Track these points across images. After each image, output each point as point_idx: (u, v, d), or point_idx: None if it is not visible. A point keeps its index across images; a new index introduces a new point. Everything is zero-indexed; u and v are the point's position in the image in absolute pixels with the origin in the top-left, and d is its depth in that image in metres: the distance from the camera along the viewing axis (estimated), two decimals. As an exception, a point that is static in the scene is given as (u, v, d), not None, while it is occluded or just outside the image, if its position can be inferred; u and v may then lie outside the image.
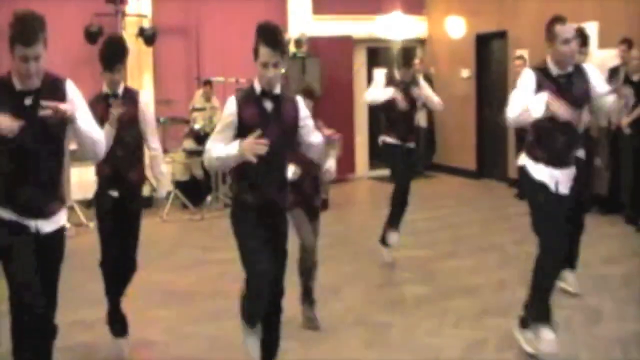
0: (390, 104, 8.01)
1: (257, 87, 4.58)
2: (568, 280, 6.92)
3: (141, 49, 12.84)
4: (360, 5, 14.61)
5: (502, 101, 13.30)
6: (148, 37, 12.60)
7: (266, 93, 4.55)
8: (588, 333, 6.07)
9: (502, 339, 5.96)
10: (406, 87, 8.10)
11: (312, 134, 4.80)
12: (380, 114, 8.50)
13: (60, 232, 4.38)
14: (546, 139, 5.36)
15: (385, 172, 13.42)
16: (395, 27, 14.59)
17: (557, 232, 5.42)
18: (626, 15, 10.65)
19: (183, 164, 12.23)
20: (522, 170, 5.56)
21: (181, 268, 8.45)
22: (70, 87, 4.24)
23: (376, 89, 8.21)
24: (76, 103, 4.20)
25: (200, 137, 12.21)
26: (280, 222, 4.77)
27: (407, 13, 14.71)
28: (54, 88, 4.14)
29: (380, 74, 8.30)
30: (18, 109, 4.02)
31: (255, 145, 4.27)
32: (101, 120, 5.48)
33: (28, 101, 4.07)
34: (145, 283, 6.39)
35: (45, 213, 4.25)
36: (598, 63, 10.69)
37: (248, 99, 4.57)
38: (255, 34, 4.54)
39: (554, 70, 5.31)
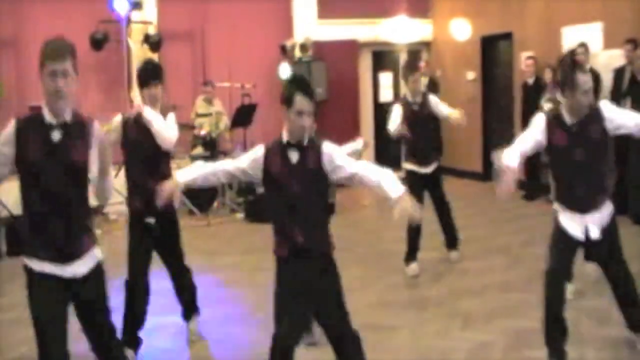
0: (407, 123, 8.01)
1: (284, 138, 4.49)
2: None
3: (147, 56, 12.85)
4: (365, 9, 14.64)
5: (509, 103, 13.37)
6: (154, 43, 12.64)
7: (292, 144, 4.46)
8: (596, 334, 6.05)
9: (509, 340, 5.95)
10: (420, 107, 8.13)
11: (351, 167, 4.52)
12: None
13: (98, 269, 4.31)
14: (565, 187, 5.31)
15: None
16: (401, 31, 14.60)
17: (563, 260, 5.36)
18: (631, 15, 10.64)
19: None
20: (554, 214, 5.43)
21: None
22: (97, 129, 4.22)
23: (395, 122, 8.11)
24: (101, 144, 4.18)
25: (207, 143, 12.25)
26: (320, 272, 4.62)
27: (412, 16, 14.72)
28: (82, 126, 4.13)
29: (397, 107, 8.18)
30: (45, 144, 4.02)
31: None
32: (132, 141, 5.75)
33: (56, 136, 4.04)
34: (153, 289, 6.39)
35: (76, 253, 4.17)
36: (603, 63, 10.72)
37: (275, 149, 4.49)
38: (285, 84, 4.50)
39: (567, 118, 5.14)
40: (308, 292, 4.53)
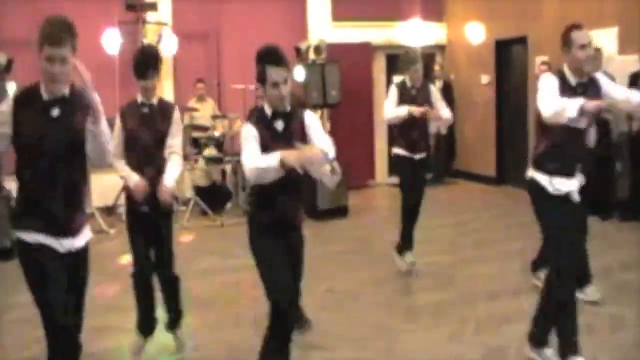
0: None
1: (268, 110, 4.60)
2: (587, 292, 6.88)
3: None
4: (379, 12, 14.64)
5: (523, 107, 13.34)
6: (168, 44, 12.66)
7: (277, 114, 4.59)
8: (609, 339, 6.04)
9: (522, 345, 5.92)
10: (418, 92, 8.08)
11: (319, 137, 4.70)
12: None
13: (87, 248, 4.37)
14: (560, 149, 5.32)
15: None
16: (415, 34, 14.59)
17: (575, 252, 5.38)
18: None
19: (203, 171, 12.27)
20: (534, 185, 5.43)
21: (201, 274, 8.47)
22: (95, 98, 4.16)
23: (391, 105, 8.08)
24: (99, 111, 4.15)
25: (220, 144, 12.30)
26: (295, 238, 4.84)
27: (427, 19, 14.70)
28: (80, 98, 4.10)
29: (393, 88, 8.19)
30: (44, 120, 4.03)
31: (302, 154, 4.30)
32: (132, 129, 5.64)
33: (55, 112, 4.05)
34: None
35: (73, 229, 4.21)
36: (618, 68, 10.67)
37: (260, 122, 4.59)
38: (256, 60, 4.54)
39: (571, 78, 5.30)
40: (291, 252, 4.78)
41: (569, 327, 5.36)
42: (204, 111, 12.68)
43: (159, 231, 5.87)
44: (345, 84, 13.80)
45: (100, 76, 11.95)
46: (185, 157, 12.02)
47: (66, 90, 4.08)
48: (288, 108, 4.60)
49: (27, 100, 4.05)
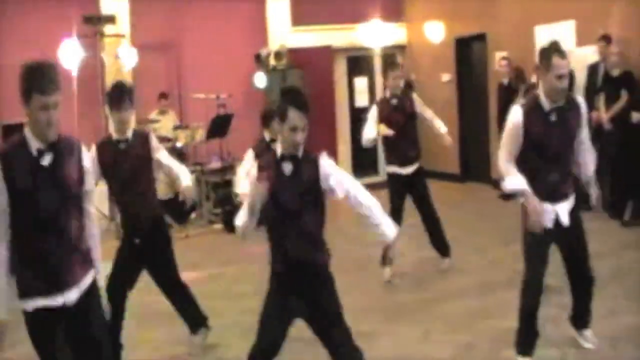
0: (385, 124, 7.96)
1: (278, 151, 4.51)
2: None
3: (120, 70, 12.80)
4: (339, 15, 14.64)
5: (484, 104, 13.39)
6: (127, 57, 12.56)
7: (285, 156, 4.47)
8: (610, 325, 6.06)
9: (491, 341, 5.94)
10: (400, 102, 8.06)
11: (351, 189, 4.60)
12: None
13: (90, 292, 4.15)
14: (537, 179, 5.30)
15: (369, 179, 13.43)
16: (375, 35, 14.60)
17: (540, 268, 5.37)
18: (603, 12, 10.68)
19: (166, 182, 12.17)
20: (523, 205, 5.40)
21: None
22: (84, 150, 4.14)
23: (368, 127, 8.03)
24: (88, 167, 4.16)
25: (183, 155, 12.23)
26: (317, 285, 4.53)
27: (387, 20, 14.71)
28: (70, 148, 4.02)
29: (373, 108, 8.16)
30: (35, 169, 3.89)
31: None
32: (109, 164, 5.71)
33: (46, 161, 3.91)
34: (132, 304, 6.33)
35: (72, 280, 4.04)
36: (577, 61, 10.73)
37: (269, 163, 4.50)
38: (280, 98, 4.49)
39: (545, 104, 5.17)
40: (302, 304, 4.51)
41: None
42: (166, 122, 12.61)
43: (157, 257, 5.96)
44: (307, 88, 13.76)
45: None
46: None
47: (54, 137, 3.93)
48: (299, 153, 4.49)
49: (15, 153, 3.91)
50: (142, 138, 5.87)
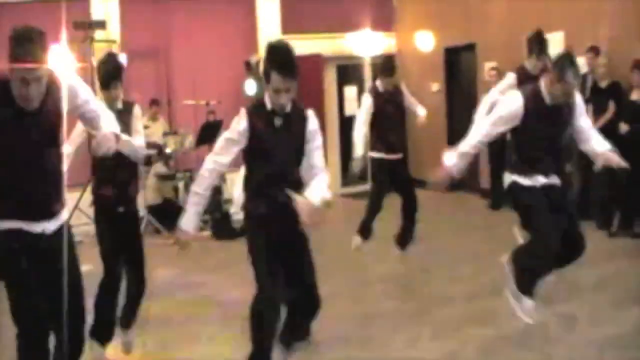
0: (377, 115, 8.10)
1: (268, 104, 4.62)
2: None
3: (110, 75, 12.81)
4: (329, 23, 14.67)
5: (473, 113, 13.41)
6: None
7: (277, 112, 4.62)
8: (563, 339, 6.08)
9: (479, 348, 5.96)
10: (392, 96, 8.32)
11: (317, 154, 4.79)
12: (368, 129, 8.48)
13: (63, 228, 4.24)
14: (532, 159, 5.45)
15: (358, 188, 13.47)
16: (365, 44, 14.64)
17: (548, 224, 5.52)
18: (592, 24, 10.75)
19: (154, 188, 12.19)
20: (512, 186, 5.69)
21: (156, 293, 8.38)
22: (72, 83, 4.16)
23: (361, 119, 8.33)
24: (82, 91, 4.21)
25: (171, 161, 12.26)
26: (296, 226, 4.66)
27: (376, 29, 14.75)
28: (53, 94, 4.01)
29: (367, 97, 8.35)
30: (15, 114, 3.88)
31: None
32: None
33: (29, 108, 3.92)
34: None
35: (50, 213, 4.14)
36: (566, 72, 10.79)
37: (259, 114, 4.61)
38: (265, 56, 4.56)
39: (547, 99, 5.42)
40: (285, 246, 4.74)
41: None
42: (157, 129, 12.61)
43: (133, 233, 5.97)
44: (296, 96, 13.78)
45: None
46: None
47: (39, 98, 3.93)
48: (287, 109, 4.64)
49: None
50: (129, 109, 5.92)
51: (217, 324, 7.12)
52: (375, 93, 8.33)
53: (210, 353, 6.37)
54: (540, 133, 5.47)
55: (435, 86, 14.57)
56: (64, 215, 4.27)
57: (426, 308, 7.23)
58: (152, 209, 11.89)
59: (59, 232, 4.19)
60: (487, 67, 12.70)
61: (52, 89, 4.00)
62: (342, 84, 15.53)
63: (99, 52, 12.52)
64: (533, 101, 5.42)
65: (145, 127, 12.18)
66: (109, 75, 5.77)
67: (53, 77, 4.04)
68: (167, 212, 11.92)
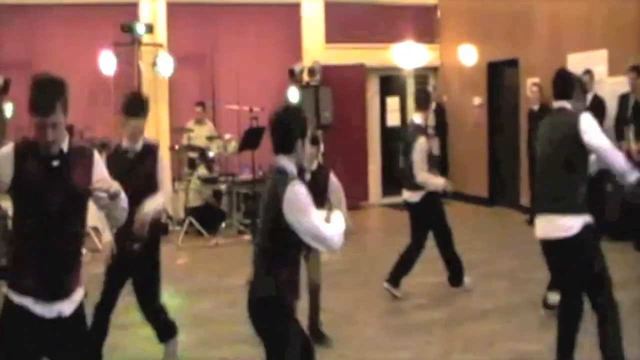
0: None
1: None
2: None
3: (157, 78, 13.03)
4: (373, 34, 14.79)
5: (514, 129, 13.48)
6: (164, 66, 12.78)
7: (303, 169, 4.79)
8: (595, 357, 6.11)
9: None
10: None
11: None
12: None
13: (81, 312, 4.08)
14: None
15: (399, 198, 13.53)
16: (408, 56, 14.72)
17: None
18: (635, 43, 10.73)
19: (196, 191, 12.37)
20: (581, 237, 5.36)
21: (196, 294, 8.55)
22: (97, 157, 4.10)
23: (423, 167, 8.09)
24: (102, 173, 4.06)
25: (214, 165, 12.42)
26: None
27: (420, 41, 14.83)
28: (81, 153, 4.01)
29: (421, 141, 8.06)
30: (44, 168, 3.86)
31: None
32: (118, 176, 5.64)
33: (55, 163, 3.87)
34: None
35: (67, 290, 3.95)
36: (608, 90, 10.82)
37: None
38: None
39: None
40: None
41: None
42: (200, 132, 12.76)
43: (146, 271, 5.90)
44: (339, 105, 13.92)
45: (96, 97, 12.20)
46: (180, 178, 12.15)
47: (65, 146, 3.91)
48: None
49: (28, 149, 3.89)
50: (152, 151, 5.84)
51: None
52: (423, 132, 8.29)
53: (250, 353, 6.48)
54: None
55: (477, 100, 14.59)
56: (79, 294, 4.06)
57: (460, 321, 7.31)
58: (194, 211, 12.07)
59: (75, 316, 4.02)
60: (530, 82, 12.72)
61: (77, 152, 4.01)
62: (384, 94, 15.59)
63: (146, 55, 12.77)
64: None
65: (190, 130, 12.40)
66: (135, 105, 5.76)
67: (78, 143, 4.12)
68: (209, 215, 12.10)
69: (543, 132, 5.58)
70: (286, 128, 4.42)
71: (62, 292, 3.93)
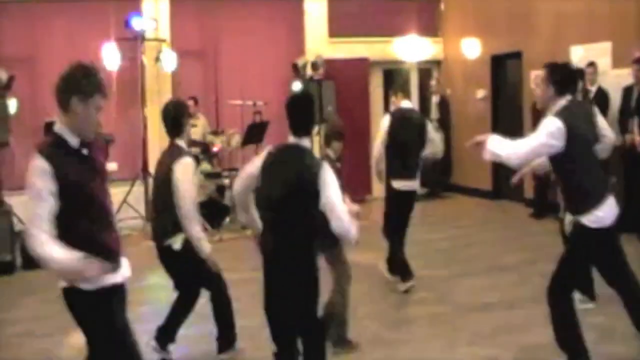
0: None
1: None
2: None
3: (160, 74, 13.02)
4: (376, 28, 14.78)
5: (518, 121, 13.45)
6: (167, 61, 12.77)
7: None
8: (599, 351, 6.10)
9: (514, 356, 6.02)
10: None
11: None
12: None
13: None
14: (590, 175, 5.39)
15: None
16: (411, 49, 14.71)
17: None
18: (639, 35, 10.72)
19: (200, 186, 12.36)
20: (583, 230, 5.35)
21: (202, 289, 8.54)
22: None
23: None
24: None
25: (217, 160, 12.43)
26: None
27: (423, 35, 14.82)
28: (101, 142, 4.31)
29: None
30: (80, 161, 4.05)
31: None
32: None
33: (85, 151, 4.08)
34: (164, 304, 6.51)
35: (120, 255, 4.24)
36: (612, 82, 10.79)
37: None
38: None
39: None
40: None
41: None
42: (198, 126, 12.75)
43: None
44: (342, 99, 13.92)
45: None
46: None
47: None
48: None
49: (56, 150, 4.01)
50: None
51: (260, 320, 7.25)
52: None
53: (254, 347, 6.50)
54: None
55: (480, 93, 14.58)
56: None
57: (464, 314, 7.31)
58: (197, 207, 12.04)
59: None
60: (533, 75, 12.69)
61: (98, 141, 4.27)
62: (387, 88, 15.56)
63: (149, 50, 12.76)
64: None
65: (194, 125, 12.37)
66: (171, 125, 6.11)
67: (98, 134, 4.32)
68: (212, 210, 12.10)
69: None
70: (309, 110, 4.74)
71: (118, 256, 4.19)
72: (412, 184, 8.22)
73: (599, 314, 6.82)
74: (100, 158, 4.22)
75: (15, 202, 10.26)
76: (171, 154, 5.92)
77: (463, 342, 6.51)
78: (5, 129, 10.22)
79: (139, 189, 12.18)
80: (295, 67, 13.78)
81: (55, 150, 3.98)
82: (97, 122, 4.09)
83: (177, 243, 5.86)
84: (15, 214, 10.12)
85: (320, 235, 4.77)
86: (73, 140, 4.04)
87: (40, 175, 3.88)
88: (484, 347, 6.33)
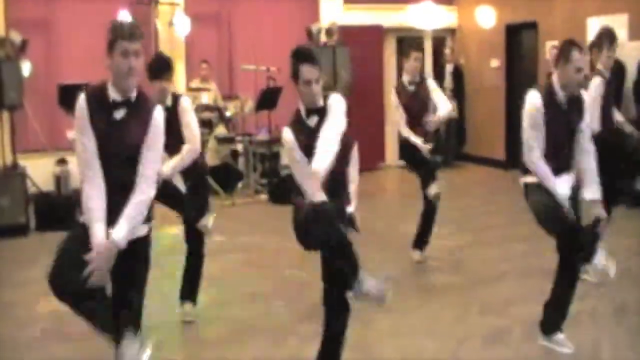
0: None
1: (302, 109, 4.76)
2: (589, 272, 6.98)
3: (173, 38, 12.98)
4: (390, -5, 14.69)
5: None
6: (180, 25, 12.73)
7: (310, 111, 4.74)
8: (611, 324, 6.13)
9: (526, 327, 6.02)
10: (416, 88, 7.98)
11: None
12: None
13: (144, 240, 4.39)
14: (555, 153, 5.64)
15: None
16: (426, 17, 14.60)
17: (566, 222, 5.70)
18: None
19: (214, 150, 12.37)
20: (529, 186, 6.04)
21: (211, 253, 8.56)
22: (158, 115, 4.26)
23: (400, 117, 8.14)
24: (158, 132, 4.27)
25: (231, 124, 12.43)
26: None
27: (438, 3, 14.70)
28: (144, 109, 4.22)
29: (392, 94, 8.18)
30: (108, 122, 4.12)
31: None
32: None
33: (118, 115, 4.15)
34: (174, 268, 6.55)
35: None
36: (629, 54, 10.73)
37: (296, 122, 4.79)
38: (291, 59, 4.73)
39: (559, 93, 5.46)
40: None
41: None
42: (208, 92, 12.74)
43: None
44: (356, 66, 13.86)
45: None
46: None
47: (133, 94, 4.19)
48: (320, 103, 4.73)
49: (95, 99, 4.14)
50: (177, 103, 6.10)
51: (272, 284, 7.31)
52: (399, 88, 8.13)
53: (265, 312, 6.54)
54: (553, 131, 5.68)
55: (495, 62, 14.51)
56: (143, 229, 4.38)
57: (476, 285, 7.33)
58: (211, 171, 12.08)
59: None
60: (549, 45, 12.63)
61: (141, 106, 4.23)
62: (401, 55, 15.46)
63: (162, 14, 12.72)
64: (548, 97, 5.57)
65: (205, 90, 12.38)
66: (160, 67, 6.00)
67: (145, 96, 4.32)
68: (226, 175, 12.12)
69: None
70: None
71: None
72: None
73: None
74: (135, 130, 4.17)
75: (30, 164, 10.31)
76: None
77: (474, 312, 6.53)
78: (19, 91, 10.22)
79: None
80: (309, 33, 13.71)
81: (95, 95, 4.15)
82: (130, 69, 4.08)
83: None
84: (29, 176, 10.16)
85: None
86: (113, 94, 4.13)
87: (77, 109, 4.12)
88: (495, 318, 6.36)
